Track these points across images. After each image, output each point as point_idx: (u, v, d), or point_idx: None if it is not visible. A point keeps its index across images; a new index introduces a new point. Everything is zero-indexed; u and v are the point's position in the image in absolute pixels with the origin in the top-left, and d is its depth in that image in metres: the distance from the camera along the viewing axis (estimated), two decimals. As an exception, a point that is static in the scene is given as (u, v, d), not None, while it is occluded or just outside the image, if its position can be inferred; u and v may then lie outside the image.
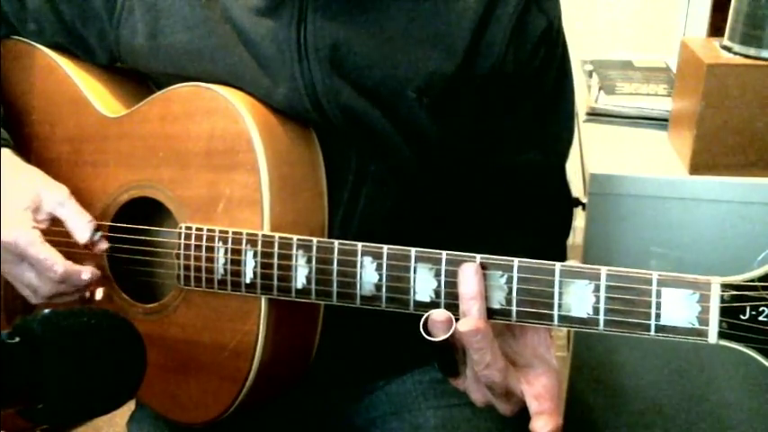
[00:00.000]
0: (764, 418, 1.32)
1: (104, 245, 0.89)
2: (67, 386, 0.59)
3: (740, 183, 1.21)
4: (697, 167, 1.22)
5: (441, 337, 0.68)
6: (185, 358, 0.88)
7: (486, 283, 0.71)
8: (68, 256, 0.87)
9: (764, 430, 1.32)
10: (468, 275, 0.70)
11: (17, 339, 0.57)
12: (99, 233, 0.89)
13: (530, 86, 0.90)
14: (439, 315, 0.68)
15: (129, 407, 1.04)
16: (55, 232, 0.89)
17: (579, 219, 1.20)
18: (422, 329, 0.69)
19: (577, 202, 1.16)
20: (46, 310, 0.60)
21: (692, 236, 1.24)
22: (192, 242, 0.84)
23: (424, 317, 0.69)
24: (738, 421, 1.33)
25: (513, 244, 0.92)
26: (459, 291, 0.71)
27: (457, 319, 0.69)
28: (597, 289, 0.67)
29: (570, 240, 1.04)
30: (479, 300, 0.70)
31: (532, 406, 0.71)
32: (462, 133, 0.90)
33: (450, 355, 0.71)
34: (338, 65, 0.84)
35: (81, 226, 0.88)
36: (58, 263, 0.85)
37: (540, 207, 0.98)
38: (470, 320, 0.68)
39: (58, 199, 0.88)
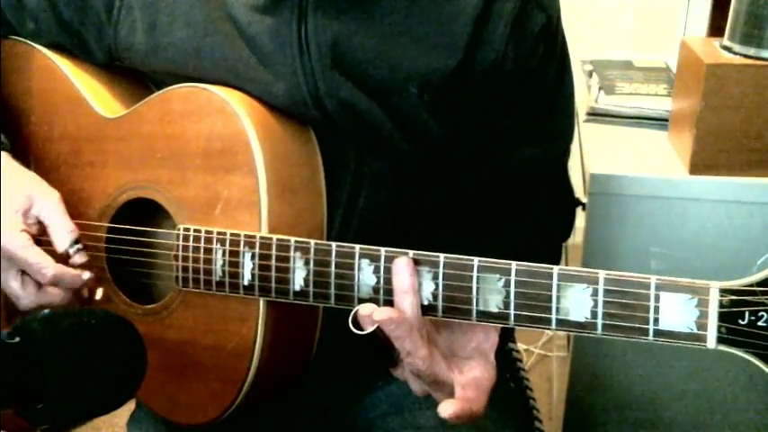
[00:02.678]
0: (765, 419, 1.32)
1: (81, 258, 0.88)
2: (67, 386, 0.59)
3: (740, 183, 1.21)
4: (697, 167, 1.22)
5: (368, 329, 0.72)
6: (184, 359, 0.88)
7: (483, 286, 0.71)
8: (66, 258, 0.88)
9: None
10: (401, 269, 0.73)
11: (17, 339, 0.58)
12: (78, 245, 0.88)
13: (529, 83, 0.90)
14: (365, 309, 0.72)
15: (129, 407, 1.04)
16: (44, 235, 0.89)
17: (579, 219, 1.20)
18: (351, 325, 0.73)
19: (577, 202, 1.15)
20: (46, 311, 0.60)
21: (692, 236, 1.24)
22: (191, 243, 0.84)
23: (353, 312, 0.73)
24: (739, 421, 1.33)
25: (511, 243, 0.92)
26: (392, 284, 0.73)
27: None
28: (595, 293, 0.67)
29: (570, 240, 1.03)
30: (411, 293, 0.72)
31: (457, 392, 0.74)
32: (462, 130, 0.90)
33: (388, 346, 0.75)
34: (339, 61, 0.84)
35: (62, 235, 0.88)
36: (47, 266, 0.85)
37: (540, 205, 0.98)
38: (384, 310, 0.71)
39: (46, 203, 0.88)
